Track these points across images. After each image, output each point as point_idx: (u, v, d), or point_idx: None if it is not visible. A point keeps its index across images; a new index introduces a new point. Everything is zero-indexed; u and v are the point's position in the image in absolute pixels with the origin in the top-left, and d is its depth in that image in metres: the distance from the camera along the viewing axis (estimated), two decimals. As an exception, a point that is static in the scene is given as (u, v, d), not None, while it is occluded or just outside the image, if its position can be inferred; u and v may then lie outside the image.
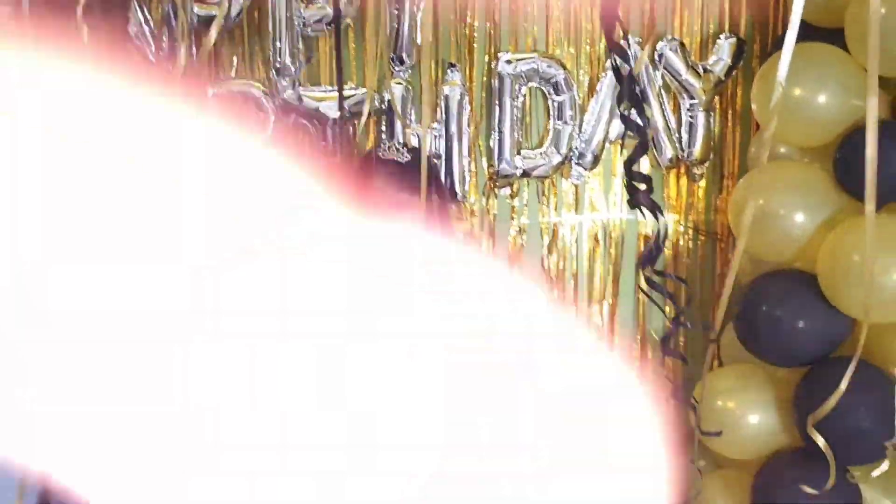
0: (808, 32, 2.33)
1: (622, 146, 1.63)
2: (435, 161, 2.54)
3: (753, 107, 2.36)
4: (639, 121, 1.09)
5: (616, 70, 1.04)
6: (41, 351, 0.25)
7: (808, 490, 1.93)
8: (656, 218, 1.22)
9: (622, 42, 2.41)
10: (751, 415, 2.29)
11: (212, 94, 2.47)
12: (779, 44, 2.29)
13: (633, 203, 1.16)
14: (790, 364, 2.25)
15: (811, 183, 2.21)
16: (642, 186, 1.05)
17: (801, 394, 2.20)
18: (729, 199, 2.56)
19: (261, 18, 2.51)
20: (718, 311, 1.06)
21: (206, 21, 2.45)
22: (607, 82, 2.56)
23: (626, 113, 1.10)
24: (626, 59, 0.94)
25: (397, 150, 1.91)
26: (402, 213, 1.90)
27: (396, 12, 2.49)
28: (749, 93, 2.61)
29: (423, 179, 1.25)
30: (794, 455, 2.24)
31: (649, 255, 1.22)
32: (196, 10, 2.40)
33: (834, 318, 2.13)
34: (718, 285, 2.73)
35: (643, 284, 2.61)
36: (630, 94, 0.99)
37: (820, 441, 1.49)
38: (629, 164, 0.99)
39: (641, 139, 1.01)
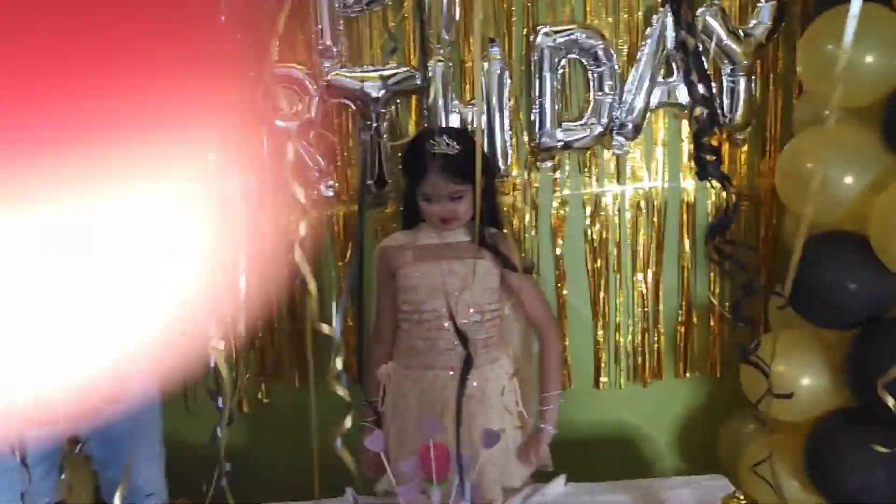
0: None
1: (690, 117, 1.64)
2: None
3: (799, 70, 2.35)
4: (705, 92, 1.10)
5: (682, 44, 1.05)
6: None
7: (881, 449, 1.94)
8: (725, 188, 1.23)
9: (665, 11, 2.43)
10: (802, 377, 2.31)
11: (253, 76, 2.51)
12: (821, 6, 2.29)
13: (702, 174, 1.17)
14: (841, 326, 2.26)
15: (858, 144, 2.20)
16: (711, 158, 1.07)
17: (857, 355, 2.22)
18: (775, 164, 2.57)
19: (301, 1, 2.54)
20: (788, 277, 1.07)
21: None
22: (647, 51, 2.56)
23: (693, 85, 1.11)
24: (693, 33, 0.95)
25: (447, 144, 1.94)
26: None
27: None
28: (790, 56, 2.62)
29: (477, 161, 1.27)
30: (849, 415, 2.26)
31: (719, 224, 1.24)
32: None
33: (886, 278, 2.14)
34: (762, 248, 2.74)
35: (703, 253, 2.64)
36: (698, 67, 1.00)
37: (890, 401, 1.51)
38: (698, 136, 1.01)
39: (711, 110, 1.03)
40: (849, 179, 2.16)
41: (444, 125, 2.52)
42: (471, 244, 2.02)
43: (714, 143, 1.08)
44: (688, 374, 2.85)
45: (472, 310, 2.01)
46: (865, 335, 2.20)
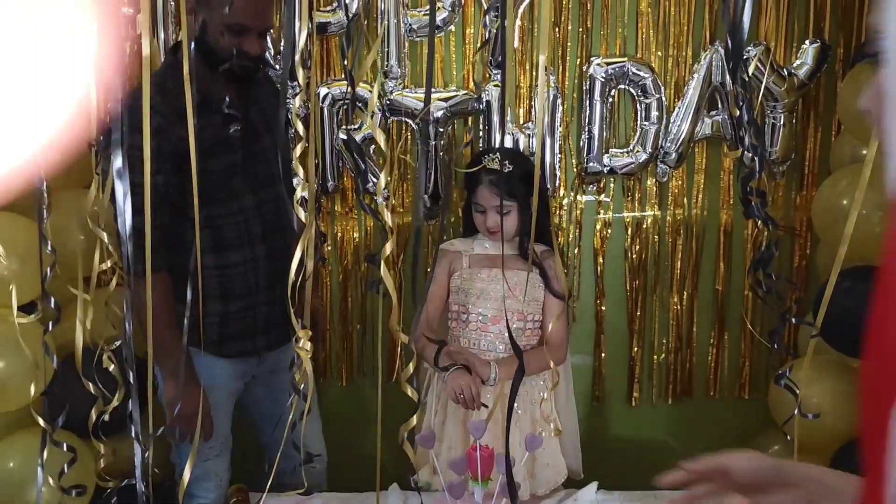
0: None
1: (740, 163, 1.74)
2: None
3: (839, 112, 2.48)
4: (755, 141, 1.22)
5: (737, 98, 1.17)
6: None
7: None
8: (768, 228, 1.34)
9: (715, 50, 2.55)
10: (830, 402, 2.43)
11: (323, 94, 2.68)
12: (862, 53, 2.42)
13: (748, 214, 1.29)
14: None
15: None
16: (758, 199, 1.18)
17: None
18: (813, 199, 2.71)
19: (368, 24, 2.71)
20: (821, 308, 1.18)
21: (322, 26, 2.67)
22: (694, 84, 2.70)
23: (743, 137, 1.23)
24: (747, 89, 1.06)
25: (500, 162, 2.09)
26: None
27: (496, 18, 2.65)
28: (831, 96, 2.74)
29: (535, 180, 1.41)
30: None
31: (762, 259, 1.35)
32: (318, 18, 2.62)
33: None
34: (796, 276, 2.86)
35: (738, 278, 2.74)
36: (751, 120, 1.12)
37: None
38: (746, 181, 1.12)
39: (760, 158, 1.14)
40: (880, 216, 2.29)
41: (502, 146, 2.67)
42: (520, 257, 2.18)
43: (759, 186, 1.20)
44: (716, 394, 2.97)
45: (515, 316, 2.15)
46: None
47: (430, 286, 2.22)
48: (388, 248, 1.30)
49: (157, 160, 1.55)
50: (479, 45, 2.74)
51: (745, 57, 2.64)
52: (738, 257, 2.88)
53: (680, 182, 2.83)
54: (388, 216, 1.29)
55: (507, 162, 2.12)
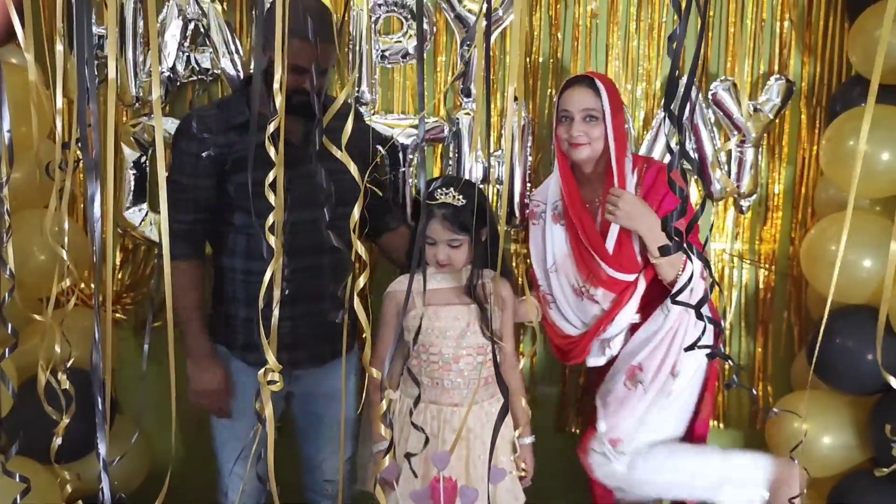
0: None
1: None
2: (498, 187, 2.73)
3: (822, 160, 2.58)
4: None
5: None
6: None
7: None
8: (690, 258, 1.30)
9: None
10: (825, 436, 2.49)
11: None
12: (844, 103, 2.50)
13: (663, 252, 1.27)
14: (861, 392, 2.43)
15: (878, 231, 2.39)
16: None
17: (877, 420, 2.39)
18: (777, 231, 2.76)
19: (340, 50, 2.71)
20: (815, 349, 1.17)
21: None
22: (661, 117, 2.73)
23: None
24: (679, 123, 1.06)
25: (453, 196, 2.09)
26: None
27: (467, 47, 2.67)
28: (796, 131, 2.80)
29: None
30: (871, 474, 2.42)
31: (684, 292, 1.34)
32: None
33: None
34: (762, 311, 2.89)
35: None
36: (691, 159, 1.11)
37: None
38: (667, 220, 1.11)
39: (683, 197, 1.13)
40: (868, 263, 2.36)
41: (462, 175, 2.67)
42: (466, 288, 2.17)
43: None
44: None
45: (475, 351, 2.14)
46: (886, 400, 2.38)
47: (381, 330, 2.19)
48: (362, 280, 1.28)
49: (198, 165, 2.04)
50: (450, 72, 2.76)
51: (710, 90, 2.70)
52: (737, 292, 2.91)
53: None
54: (360, 247, 1.27)
55: (460, 196, 2.10)
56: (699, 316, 1.20)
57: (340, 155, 1.29)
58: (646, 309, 2.22)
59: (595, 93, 2.17)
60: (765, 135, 2.77)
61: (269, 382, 1.22)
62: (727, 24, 2.75)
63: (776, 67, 2.77)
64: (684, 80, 1.28)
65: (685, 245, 1.21)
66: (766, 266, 2.87)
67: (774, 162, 2.82)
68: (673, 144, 1.20)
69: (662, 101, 2.75)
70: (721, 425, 2.95)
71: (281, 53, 1.30)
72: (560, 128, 2.21)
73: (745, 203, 2.80)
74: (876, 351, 2.36)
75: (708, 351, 1.40)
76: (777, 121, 2.76)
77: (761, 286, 2.89)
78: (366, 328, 1.16)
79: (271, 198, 1.25)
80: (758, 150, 2.76)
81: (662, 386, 2.19)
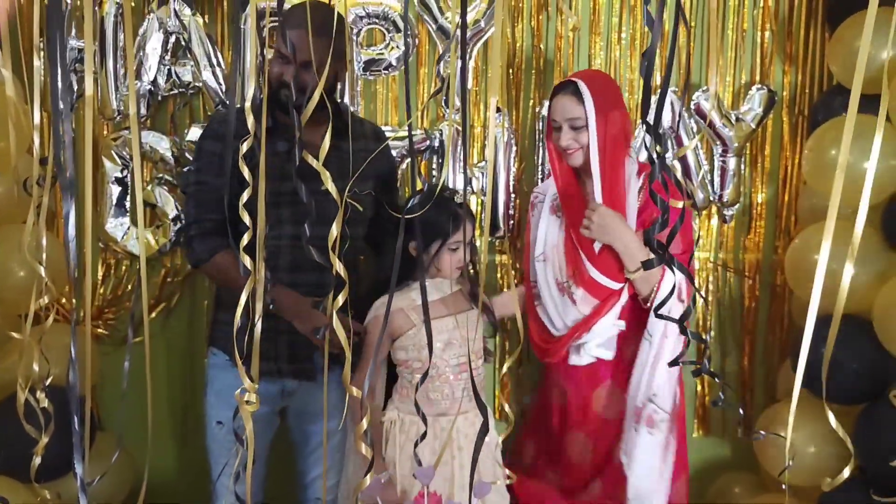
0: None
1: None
2: (483, 198, 2.73)
3: (804, 170, 2.59)
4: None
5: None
6: None
7: None
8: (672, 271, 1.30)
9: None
10: (810, 445, 2.47)
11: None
12: (826, 113, 2.52)
13: (646, 266, 1.26)
14: (846, 402, 2.43)
15: (862, 241, 2.39)
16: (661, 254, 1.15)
17: (862, 430, 2.39)
18: (760, 240, 2.78)
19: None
20: (799, 359, 1.16)
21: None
22: (642, 129, 2.74)
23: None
24: (662, 145, 1.04)
25: (457, 196, 2.11)
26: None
27: (448, 60, 2.67)
28: (778, 141, 2.81)
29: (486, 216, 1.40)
30: (858, 483, 2.42)
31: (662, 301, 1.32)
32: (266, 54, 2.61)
33: (887, 360, 2.34)
34: (747, 321, 2.90)
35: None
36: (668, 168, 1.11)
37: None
38: (650, 232, 1.09)
39: (663, 207, 1.12)
40: (852, 272, 2.36)
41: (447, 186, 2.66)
42: (459, 295, 2.17)
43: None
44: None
45: (475, 357, 2.14)
46: (870, 410, 2.39)
47: (365, 350, 2.13)
48: (341, 298, 1.27)
49: (223, 165, 2.00)
50: (432, 84, 2.75)
51: (692, 100, 2.71)
52: (714, 296, 2.90)
53: (631, 223, 2.85)
54: (338, 265, 1.26)
55: (456, 197, 2.11)
56: (683, 331, 1.19)
57: (319, 168, 1.27)
58: (632, 316, 2.19)
59: (579, 99, 2.14)
60: (747, 144, 2.78)
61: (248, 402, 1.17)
62: (708, 34, 2.77)
63: (758, 77, 2.78)
64: (663, 91, 1.28)
65: (667, 258, 1.21)
66: (750, 275, 2.88)
67: (757, 171, 2.83)
68: (654, 156, 1.20)
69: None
70: (702, 433, 2.95)
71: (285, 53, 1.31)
72: (553, 135, 2.20)
73: (728, 212, 2.81)
74: (860, 360, 2.39)
75: (693, 369, 1.39)
76: (759, 130, 2.77)
77: (745, 295, 2.89)
78: (345, 347, 1.14)
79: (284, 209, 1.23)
80: (740, 159, 2.77)
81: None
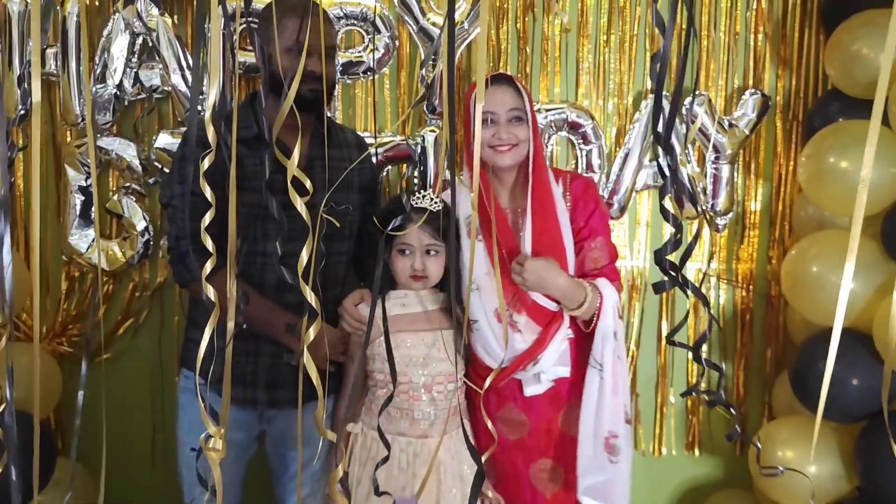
0: (852, 105, 2.44)
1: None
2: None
3: (801, 178, 2.48)
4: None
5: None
6: None
7: None
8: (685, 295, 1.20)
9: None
10: (809, 465, 2.38)
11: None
12: (822, 118, 2.43)
13: (657, 289, 1.14)
14: (845, 420, 2.33)
15: (862, 252, 2.30)
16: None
17: (864, 447, 2.29)
18: (754, 250, 2.68)
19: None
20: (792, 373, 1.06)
21: (253, 69, 2.54)
22: (634, 134, 2.63)
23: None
24: (674, 157, 0.94)
25: (430, 200, 1.96)
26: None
27: (432, 62, 2.55)
28: (772, 147, 2.72)
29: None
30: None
31: (677, 328, 1.22)
32: (239, 57, 2.48)
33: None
34: (741, 333, 2.80)
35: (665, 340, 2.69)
36: (683, 185, 0.99)
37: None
38: (662, 252, 0.99)
39: (676, 226, 1.02)
40: (852, 284, 2.27)
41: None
42: (437, 312, 2.03)
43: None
44: (664, 452, 2.86)
45: (446, 379, 2.00)
46: (871, 428, 2.29)
47: (348, 366, 2.05)
48: (312, 333, 1.14)
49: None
50: (415, 88, 2.63)
51: (685, 105, 2.61)
52: (682, 310, 2.79)
53: (622, 233, 2.74)
54: (309, 294, 1.13)
55: (437, 200, 1.99)
56: (697, 359, 1.08)
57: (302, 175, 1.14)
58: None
59: (517, 91, 2.01)
60: (740, 151, 2.68)
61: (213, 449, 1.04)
62: (700, 37, 2.67)
63: (751, 82, 2.69)
64: (675, 98, 1.16)
65: (681, 280, 1.10)
66: (744, 286, 2.78)
67: (750, 179, 2.73)
68: (665, 168, 1.08)
69: (635, 116, 2.65)
70: (698, 452, 2.85)
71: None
72: (483, 132, 1.99)
73: (721, 221, 2.71)
74: (859, 376, 2.30)
75: (708, 400, 1.28)
76: (752, 136, 2.68)
77: (739, 307, 2.79)
78: (316, 385, 1.02)
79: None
80: (733, 166, 2.67)
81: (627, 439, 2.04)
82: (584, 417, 1.99)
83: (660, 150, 2.46)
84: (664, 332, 2.78)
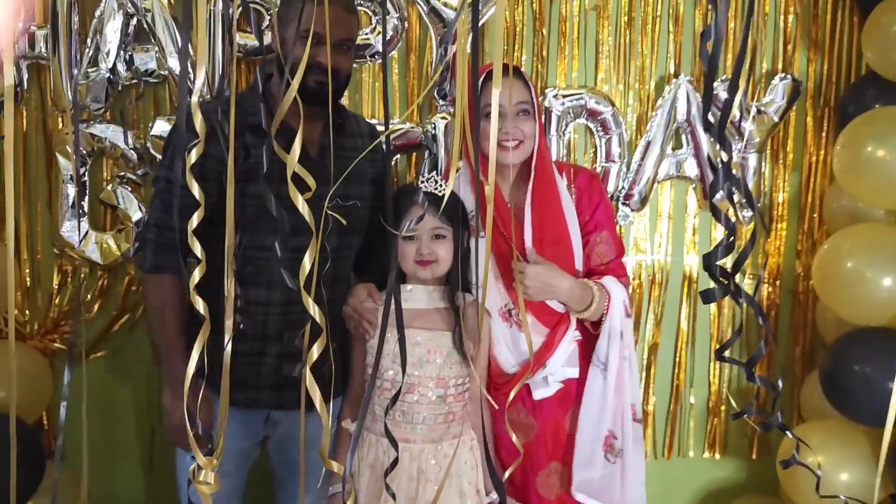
0: (890, 90, 2.31)
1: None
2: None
3: (836, 168, 2.35)
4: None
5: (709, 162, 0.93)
6: None
7: None
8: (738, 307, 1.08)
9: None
10: (841, 472, 2.27)
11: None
12: (857, 104, 2.29)
13: (707, 299, 1.02)
14: (881, 424, 2.20)
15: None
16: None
17: None
18: (781, 243, 2.55)
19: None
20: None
21: (253, 52, 2.40)
22: (657, 121, 2.50)
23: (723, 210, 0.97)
24: (727, 149, 0.82)
25: (436, 183, 1.84)
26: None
27: (443, 47, 2.42)
28: (801, 135, 2.58)
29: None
30: None
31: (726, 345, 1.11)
32: (240, 39, 2.35)
33: None
34: (800, 334, 2.68)
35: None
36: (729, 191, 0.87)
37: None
38: (711, 256, 0.88)
39: (730, 229, 0.90)
40: (888, 282, 2.14)
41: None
42: (440, 311, 1.90)
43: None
44: (679, 455, 2.75)
45: (434, 383, 1.87)
46: None
47: (354, 350, 1.95)
48: (317, 351, 1.03)
49: (201, 169, 1.41)
50: (424, 73, 2.50)
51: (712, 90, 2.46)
52: (703, 306, 2.67)
53: (642, 226, 2.61)
54: (314, 308, 1.02)
55: (444, 183, 1.86)
56: (750, 377, 0.95)
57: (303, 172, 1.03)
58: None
59: (524, 84, 1.90)
60: (768, 139, 2.54)
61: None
62: (727, 18, 2.53)
63: (780, 65, 2.55)
64: (733, 85, 1.02)
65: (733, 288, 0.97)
66: (770, 281, 2.65)
67: (779, 168, 2.60)
68: (716, 162, 0.95)
69: (657, 102, 2.51)
70: (719, 455, 2.73)
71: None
72: (487, 126, 1.76)
73: (747, 214, 2.57)
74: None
75: (763, 419, 1.15)
76: (781, 124, 2.54)
77: (765, 303, 2.66)
78: (313, 397, 0.90)
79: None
80: (761, 155, 2.53)
81: (634, 439, 1.97)
82: (583, 415, 1.95)
83: (702, 141, 2.31)
84: (684, 328, 2.66)
